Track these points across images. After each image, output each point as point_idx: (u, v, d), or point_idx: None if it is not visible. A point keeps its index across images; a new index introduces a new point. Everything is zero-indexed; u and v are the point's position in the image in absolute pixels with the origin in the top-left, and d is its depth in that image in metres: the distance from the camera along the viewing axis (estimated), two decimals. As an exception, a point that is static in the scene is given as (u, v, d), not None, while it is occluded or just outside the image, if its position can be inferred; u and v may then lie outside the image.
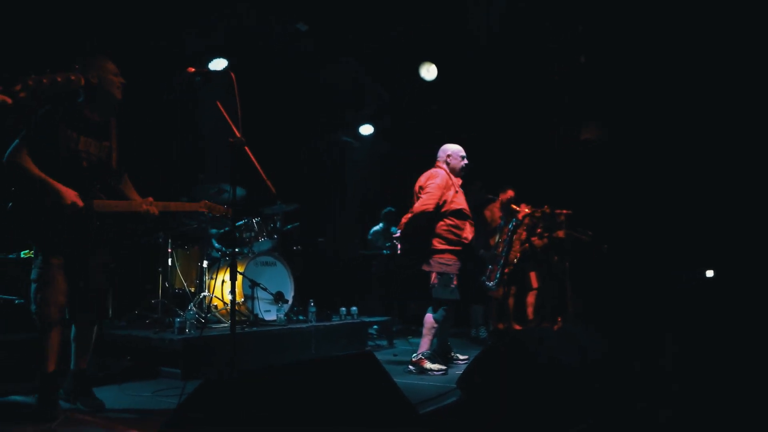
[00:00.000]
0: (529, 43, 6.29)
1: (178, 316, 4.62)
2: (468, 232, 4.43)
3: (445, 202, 4.41)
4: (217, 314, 5.17)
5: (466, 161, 4.64)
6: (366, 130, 8.70)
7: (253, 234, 5.52)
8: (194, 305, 4.89)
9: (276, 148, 7.26)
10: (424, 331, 4.43)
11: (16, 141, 2.91)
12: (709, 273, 7.03)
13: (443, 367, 4.28)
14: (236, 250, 5.53)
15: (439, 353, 4.63)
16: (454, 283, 4.34)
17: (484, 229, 6.52)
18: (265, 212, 5.97)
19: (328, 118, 8.05)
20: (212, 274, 5.32)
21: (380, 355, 5.35)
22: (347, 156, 9.02)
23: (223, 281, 5.18)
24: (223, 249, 5.67)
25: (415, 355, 4.38)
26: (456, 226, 4.41)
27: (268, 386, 1.67)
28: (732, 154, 6.51)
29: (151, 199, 3.12)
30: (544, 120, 7.08)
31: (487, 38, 6.36)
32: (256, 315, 5.02)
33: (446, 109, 7.69)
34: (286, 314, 5.28)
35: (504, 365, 3.44)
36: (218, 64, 6.87)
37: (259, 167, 2.77)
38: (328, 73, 7.34)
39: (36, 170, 2.83)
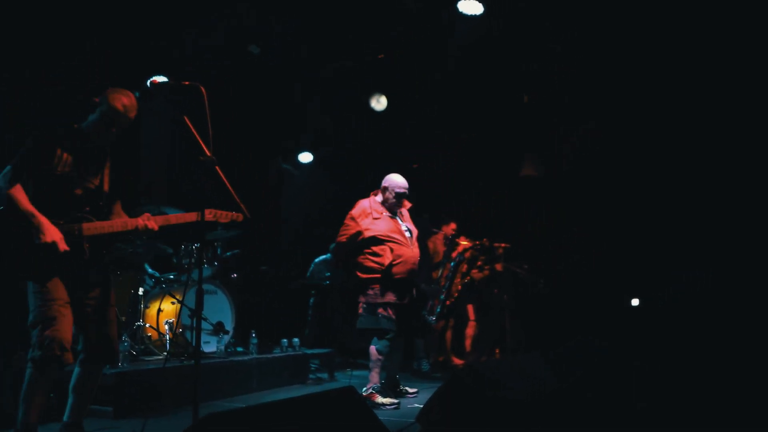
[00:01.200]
0: (481, 73, 6.43)
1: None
2: (386, 258, 4.30)
3: (359, 232, 4.39)
4: (151, 346, 4.82)
5: (403, 200, 4.59)
6: (305, 158, 8.61)
7: (192, 260, 5.24)
8: (127, 336, 4.53)
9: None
10: (371, 364, 4.33)
11: (8, 167, 2.71)
12: (635, 302, 7.40)
13: (395, 401, 4.17)
14: (171, 276, 5.26)
15: (389, 387, 4.53)
16: (381, 311, 4.26)
17: (426, 262, 6.52)
18: (206, 237, 5.69)
19: (269, 143, 7.89)
20: (147, 302, 4.97)
21: (321, 388, 5.19)
22: (287, 183, 8.87)
23: (159, 310, 4.86)
24: (157, 275, 5.34)
25: (365, 389, 4.25)
26: (372, 253, 4.35)
27: (258, 428, 1.53)
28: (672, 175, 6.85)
29: (147, 214, 2.93)
30: (488, 154, 7.27)
31: (442, 72, 6.48)
32: (190, 345, 4.71)
33: (393, 138, 7.75)
34: (226, 346, 5.01)
35: (462, 400, 3.40)
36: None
37: (231, 188, 2.62)
38: (273, 98, 7.23)
39: (25, 203, 2.63)
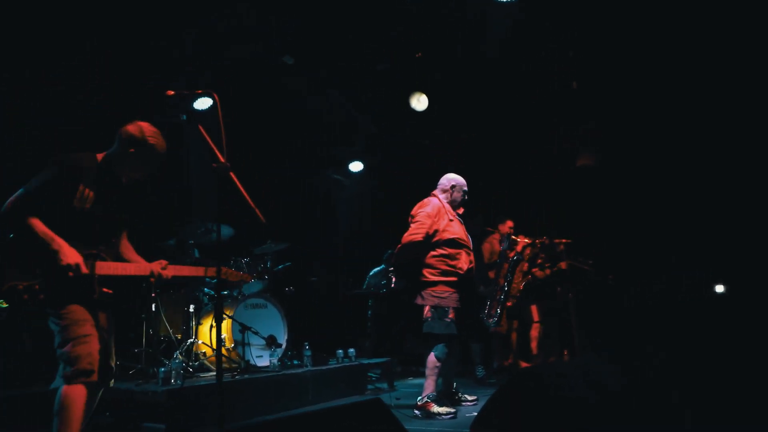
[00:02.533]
0: (525, 68, 6.17)
1: (163, 365, 4.28)
2: (463, 262, 4.19)
3: (436, 231, 4.21)
4: (206, 362, 4.82)
5: (466, 197, 4.50)
6: (356, 167, 8.54)
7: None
8: (180, 353, 4.56)
9: (263, 185, 7.07)
10: (427, 371, 4.13)
11: (22, 191, 2.58)
12: (719, 288, 6.80)
13: (452, 410, 3.96)
14: (224, 292, 5.25)
15: (445, 394, 4.32)
16: (450, 316, 4.06)
17: (482, 263, 6.27)
18: (255, 252, 5.69)
19: (318, 154, 7.87)
20: (200, 319, 4.99)
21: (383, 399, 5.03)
22: (337, 193, 8.82)
23: (211, 326, 4.86)
24: (212, 293, 5.36)
25: (420, 398, 4.06)
26: (449, 256, 4.18)
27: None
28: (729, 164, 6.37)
29: (164, 262, 2.81)
30: (540, 149, 6.94)
31: (481, 66, 6.25)
32: (248, 361, 4.68)
33: (438, 141, 7.56)
34: (279, 359, 4.95)
35: (521, 405, 3.16)
36: (203, 103, 6.75)
37: (246, 194, 2.52)
38: (316, 108, 7.20)
39: (43, 227, 2.51)
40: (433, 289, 4.13)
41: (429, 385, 4.08)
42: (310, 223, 7.61)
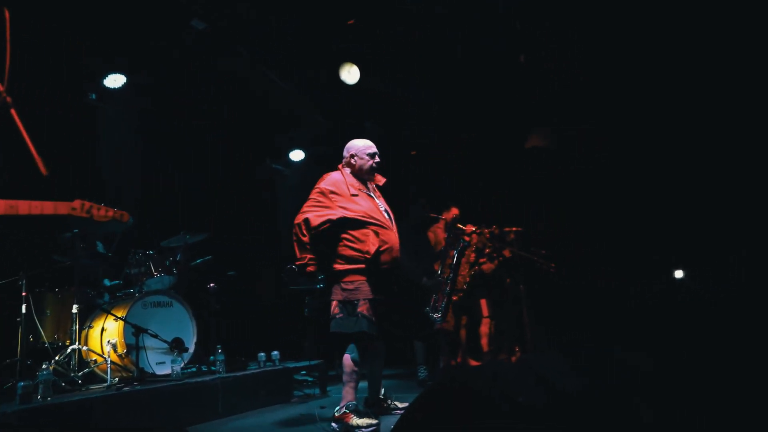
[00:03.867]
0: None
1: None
2: (371, 244, 3.45)
3: (333, 210, 3.52)
4: (98, 371, 4.11)
5: (376, 159, 3.73)
6: (297, 156, 7.92)
7: (143, 269, 4.53)
8: (58, 362, 3.83)
9: (193, 172, 6.38)
10: (344, 377, 3.51)
11: None
12: (678, 273, 6.40)
13: (373, 422, 3.34)
14: (120, 294, 4.56)
15: (372, 402, 3.73)
16: (361, 310, 3.42)
17: (426, 253, 5.70)
18: (162, 244, 4.99)
19: (257, 143, 7.19)
20: (91, 321, 4.28)
21: (306, 408, 4.41)
22: (279, 184, 8.18)
23: (102, 329, 4.15)
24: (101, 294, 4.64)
25: (338, 408, 3.45)
26: (353, 239, 3.48)
27: None
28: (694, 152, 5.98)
29: None
30: (487, 127, 6.42)
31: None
32: (142, 369, 3.98)
33: (384, 125, 6.97)
34: (185, 366, 4.28)
35: (447, 409, 2.59)
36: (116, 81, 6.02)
37: (27, 138, 1.85)
38: (258, 93, 6.51)
39: None
40: (343, 280, 3.48)
41: (347, 393, 3.47)
42: (243, 214, 6.90)
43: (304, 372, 5.26)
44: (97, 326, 4.20)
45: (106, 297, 4.72)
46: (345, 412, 3.37)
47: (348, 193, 3.54)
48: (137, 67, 5.86)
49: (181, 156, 6.29)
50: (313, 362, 5.42)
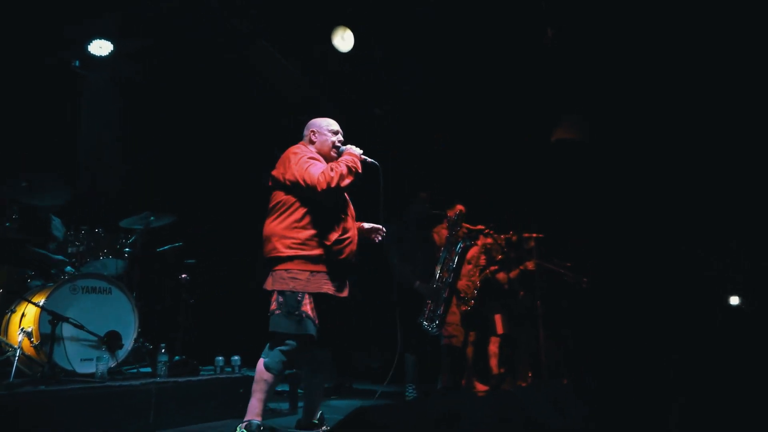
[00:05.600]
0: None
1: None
2: (333, 231, 2.89)
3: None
4: (19, 365, 3.48)
5: (339, 137, 3.16)
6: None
7: (81, 249, 3.92)
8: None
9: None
10: (254, 385, 2.85)
11: None
12: (734, 300, 5.41)
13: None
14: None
15: (303, 425, 3.06)
16: (305, 309, 2.76)
17: (423, 255, 4.89)
18: (120, 224, 4.38)
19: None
20: (15, 305, 3.67)
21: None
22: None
23: (23, 315, 3.54)
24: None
25: (239, 426, 2.77)
26: (310, 224, 2.89)
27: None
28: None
29: None
30: (505, 120, 5.59)
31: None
32: (56, 365, 3.33)
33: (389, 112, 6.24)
34: (118, 365, 3.63)
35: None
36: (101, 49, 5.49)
37: None
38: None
39: None
40: (288, 267, 2.82)
41: (253, 407, 2.81)
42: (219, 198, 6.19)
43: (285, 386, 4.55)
44: (20, 311, 3.59)
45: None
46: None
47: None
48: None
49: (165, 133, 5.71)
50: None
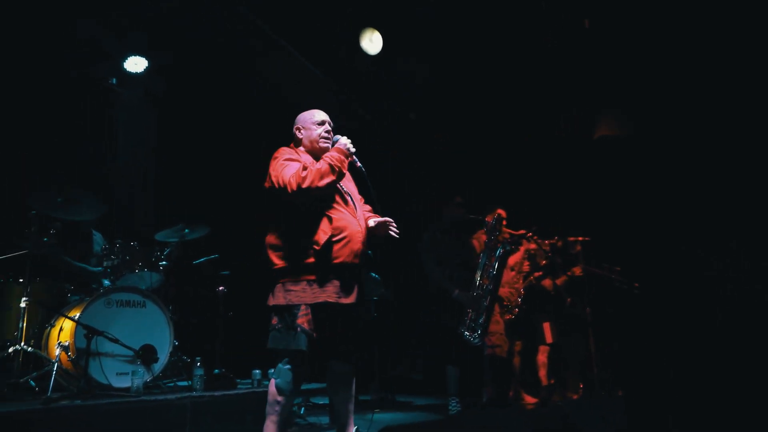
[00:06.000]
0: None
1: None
2: (321, 231, 2.61)
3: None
4: (59, 378, 3.48)
5: (326, 127, 2.89)
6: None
7: (116, 262, 3.92)
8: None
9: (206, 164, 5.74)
10: (267, 408, 2.65)
11: None
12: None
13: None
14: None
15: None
16: (301, 322, 2.54)
17: (460, 261, 4.69)
18: (156, 238, 4.38)
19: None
20: (54, 319, 3.68)
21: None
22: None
23: (60, 329, 3.55)
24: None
25: None
26: (299, 226, 2.66)
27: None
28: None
29: None
30: (543, 116, 5.36)
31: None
32: (92, 379, 3.31)
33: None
34: (153, 379, 3.59)
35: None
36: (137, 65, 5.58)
37: None
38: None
39: None
40: (283, 280, 2.64)
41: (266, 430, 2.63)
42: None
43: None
44: (58, 325, 3.60)
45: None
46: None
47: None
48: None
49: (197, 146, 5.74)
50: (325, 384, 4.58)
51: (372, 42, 4.60)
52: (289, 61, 5.26)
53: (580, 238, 5.25)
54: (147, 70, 5.48)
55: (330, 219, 2.64)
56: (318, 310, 2.56)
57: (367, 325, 2.77)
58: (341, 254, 2.63)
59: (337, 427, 2.88)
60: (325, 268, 2.59)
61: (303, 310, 2.55)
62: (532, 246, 5.15)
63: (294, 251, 2.61)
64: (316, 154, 2.83)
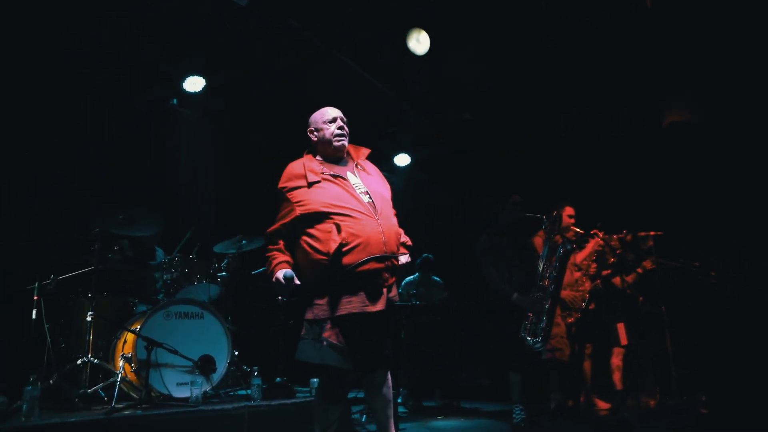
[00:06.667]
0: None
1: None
2: (331, 241, 2.50)
3: (290, 210, 2.66)
4: (126, 389, 3.63)
5: (338, 124, 2.81)
6: (402, 160, 7.13)
7: (175, 275, 4.04)
8: (68, 376, 3.43)
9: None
10: (316, 415, 2.63)
11: None
12: None
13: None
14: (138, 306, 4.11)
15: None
16: (327, 335, 2.48)
17: (519, 264, 4.49)
18: (215, 250, 4.49)
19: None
20: (121, 332, 3.85)
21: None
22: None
23: (125, 342, 3.70)
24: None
25: None
26: (313, 239, 2.57)
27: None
28: None
29: None
30: (611, 104, 5.05)
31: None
32: (152, 389, 3.42)
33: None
34: (213, 389, 3.66)
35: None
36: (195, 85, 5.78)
37: None
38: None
39: None
40: (311, 295, 2.58)
41: None
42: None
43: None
44: (123, 338, 3.76)
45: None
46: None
47: (306, 184, 2.65)
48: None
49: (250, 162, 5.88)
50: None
51: (419, 42, 4.51)
52: (342, 72, 5.27)
53: (652, 233, 4.92)
54: (205, 89, 5.69)
55: (338, 227, 2.53)
56: (345, 321, 2.50)
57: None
58: (352, 260, 2.51)
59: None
60: (344, 277, 2.51)
61: (330, 324, 2.50)
62: (599, 243, 4.87)
63: (312, 266, 2.57)
64: (332, 154, 2.80)
